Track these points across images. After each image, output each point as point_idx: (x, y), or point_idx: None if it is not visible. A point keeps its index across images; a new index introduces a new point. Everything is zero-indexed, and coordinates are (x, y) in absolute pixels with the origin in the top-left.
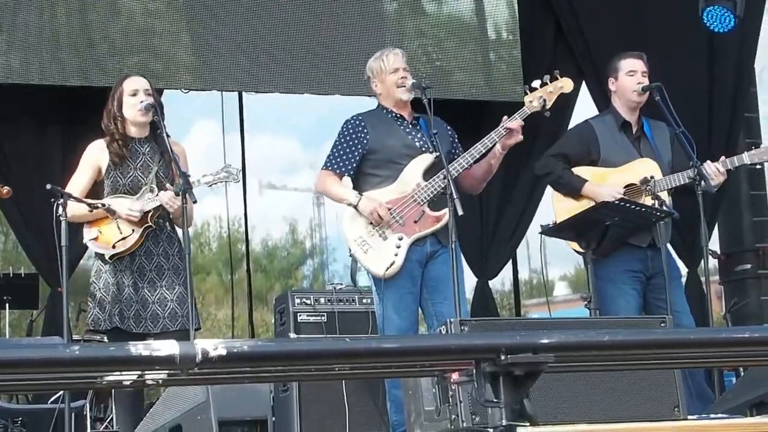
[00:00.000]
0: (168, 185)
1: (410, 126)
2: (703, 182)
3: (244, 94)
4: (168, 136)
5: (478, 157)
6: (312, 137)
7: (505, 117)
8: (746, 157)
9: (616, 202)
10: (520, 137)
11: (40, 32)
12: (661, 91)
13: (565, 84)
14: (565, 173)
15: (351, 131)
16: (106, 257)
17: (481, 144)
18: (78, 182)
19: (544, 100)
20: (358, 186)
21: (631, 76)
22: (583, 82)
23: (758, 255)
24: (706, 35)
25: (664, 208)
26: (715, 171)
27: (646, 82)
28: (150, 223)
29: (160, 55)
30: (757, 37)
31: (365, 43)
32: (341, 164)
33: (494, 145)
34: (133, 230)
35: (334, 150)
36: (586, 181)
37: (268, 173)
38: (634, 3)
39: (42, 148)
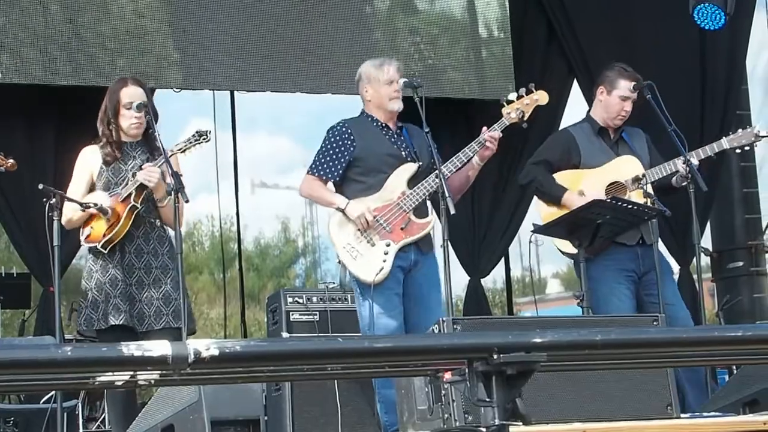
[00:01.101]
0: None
1: (395, 135)
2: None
3: (236, 93)
4: (162, 147)
5: (460, 166)
6: (304, 136)
7: (485, 128)
8: (725, 142)
9: (608, 200)
10: (495, 149)
11: (31, 32)
12: (653, 89)
13: (541, 97)
14: (546, 182)
15: (338, 138)
16: (99, 247)
17: (463, 154)
18: (75, 189)
19: (522, 112)
20: (343, 192)
21: (622, 101)
22: (575, 80)
23: (750, 252)
24: (697, 33)
25: (656, 205)
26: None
27: (629, 111)
28: (134, 203)
29: (152, 55)
30: (748, 35)
31: (357, 41)
32: (327, 170)
33: (473, 156)
34: (118, 216)
35: (320, 156)
36: (566, 190)
37: (261, 172)
38: (625, 1)
39: (34, 147)
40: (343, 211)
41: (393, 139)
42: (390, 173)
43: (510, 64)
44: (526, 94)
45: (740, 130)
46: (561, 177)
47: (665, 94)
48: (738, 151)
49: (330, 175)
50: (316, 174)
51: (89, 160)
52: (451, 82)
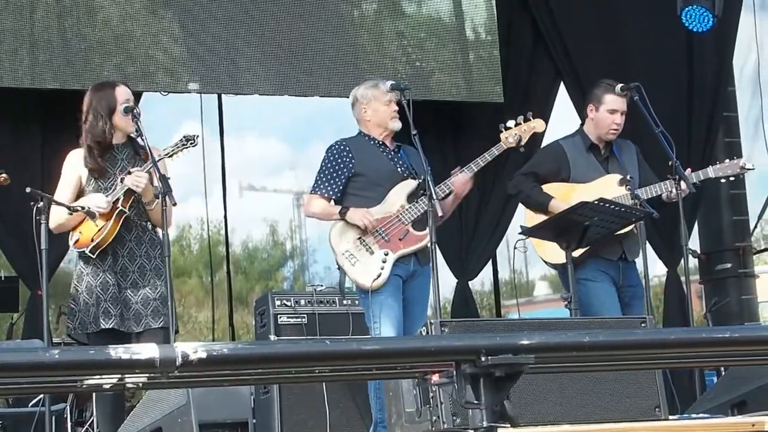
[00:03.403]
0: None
1: (392, 153)
2: (683, 182)
3: (223, 96)
4: (150, 150)
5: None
6: (292, 139)
7: (457, 168)
8: (711, 171)
9: (595, 202)
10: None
11: (17, 36)
12: (640, 91)
13: (537, 124)
14: (534, 191)
15: (336, 156)
16: (87, 252)
17: (477, 162)
18: (63, 193)
19: (519, 137)
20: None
21: (611, 114)
22: (561, 83)
23: (738, 254)
24: (684, 35)
25: (643, 207)
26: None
27: (621, 123)
28: (122, 208)
29: (139, 58)
30: (735, 36)
31: (344, 44)
32: (328, 188)
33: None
34: (107, 221)
35: (321, 175)
36: (552, 197)
37: (249, 175)
38: (611, 3)
39: (20, 150)
40: (343, 218)
41: (390, 156)
42: (389, 188)
43: (497, 66)
44: (524, 122)
45: (727, 161)
46: (549, 189)
47: (653, 96)
48: (723, 180)
49: (331, 193)
50: (318, 193)
51: (76, 164)
52: (439, 85)
